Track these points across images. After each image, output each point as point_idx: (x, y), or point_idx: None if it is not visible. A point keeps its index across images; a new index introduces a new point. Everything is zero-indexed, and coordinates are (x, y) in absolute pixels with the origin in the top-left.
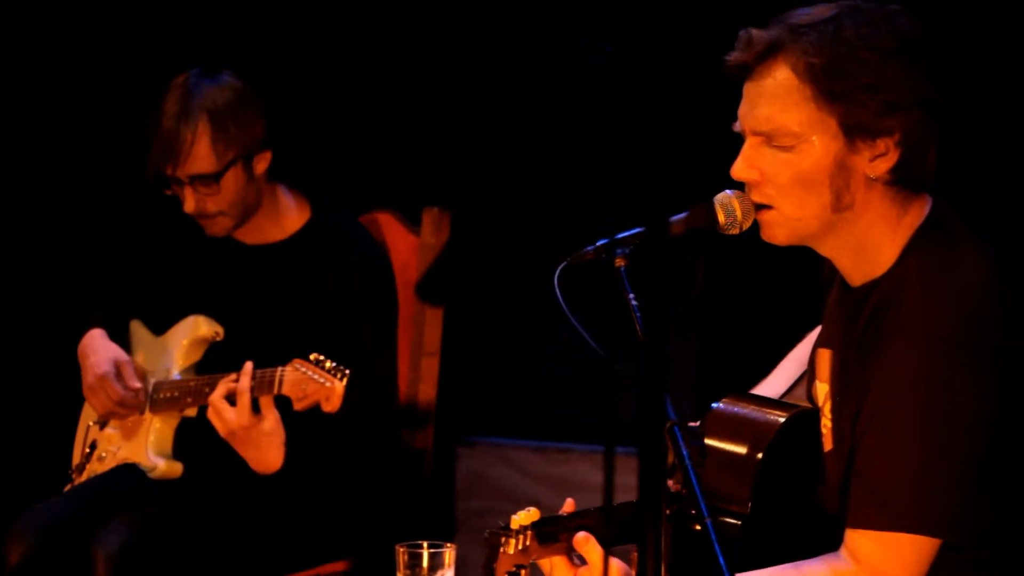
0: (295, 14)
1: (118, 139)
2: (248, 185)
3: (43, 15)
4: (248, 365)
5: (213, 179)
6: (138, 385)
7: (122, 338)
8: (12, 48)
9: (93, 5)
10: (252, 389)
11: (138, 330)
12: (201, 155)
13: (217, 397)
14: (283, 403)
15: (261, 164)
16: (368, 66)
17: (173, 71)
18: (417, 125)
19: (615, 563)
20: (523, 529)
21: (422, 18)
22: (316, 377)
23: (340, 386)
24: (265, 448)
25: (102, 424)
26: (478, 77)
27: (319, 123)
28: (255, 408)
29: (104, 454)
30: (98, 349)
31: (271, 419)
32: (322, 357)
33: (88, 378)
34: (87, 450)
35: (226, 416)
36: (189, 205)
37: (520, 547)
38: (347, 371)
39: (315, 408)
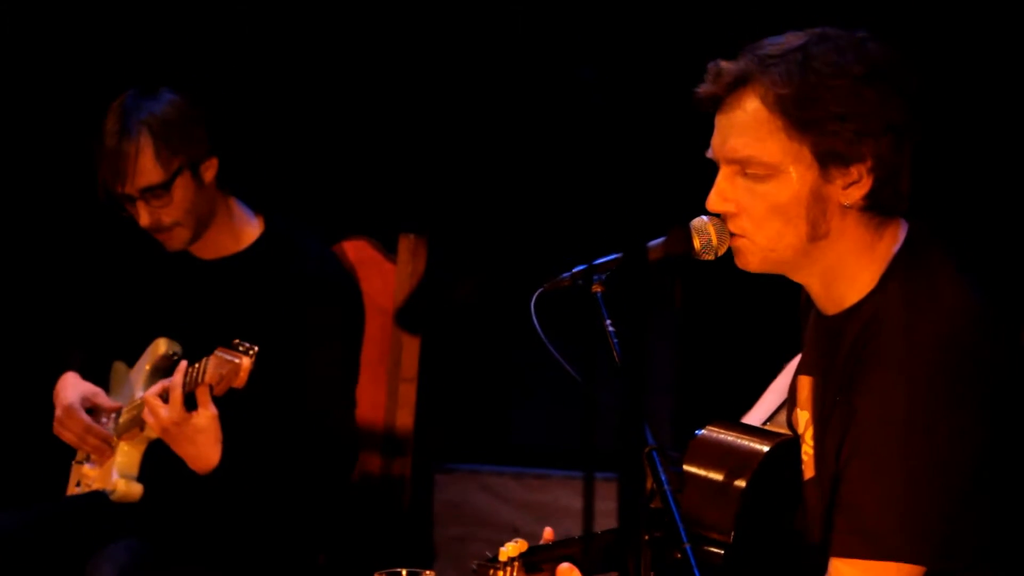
0: (269, 37)
1: (76, 168)
2: (199, 193)
3: None
4: (182, 364)
5: (163, 188)
6: (105, 419)
7: (102, 378)
8: None
9: (38, 32)
10: (184, 385)
11: (118, 368)
12: (147, 167)
13: (151, 395)
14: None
15: (209, 172)
16: (341, 92)
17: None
18: (392, 151)
19: None
20: (511, 561)
21: (397, 45)
22: (228, 357)
23: (247, 361)
24: (200, 444)
25: (83, 461)
26: (453, 103)
27: (292, 150)
28: (192, 404)
29: (84, 490)
30: (69, 386)
31: (205, 414)
32: (240, 341)
33: (56, 412)
34: (75, 490)
35: (159, 412)
36: (144, 219)
37: None
38: (255, 348)
39: (258, 406)
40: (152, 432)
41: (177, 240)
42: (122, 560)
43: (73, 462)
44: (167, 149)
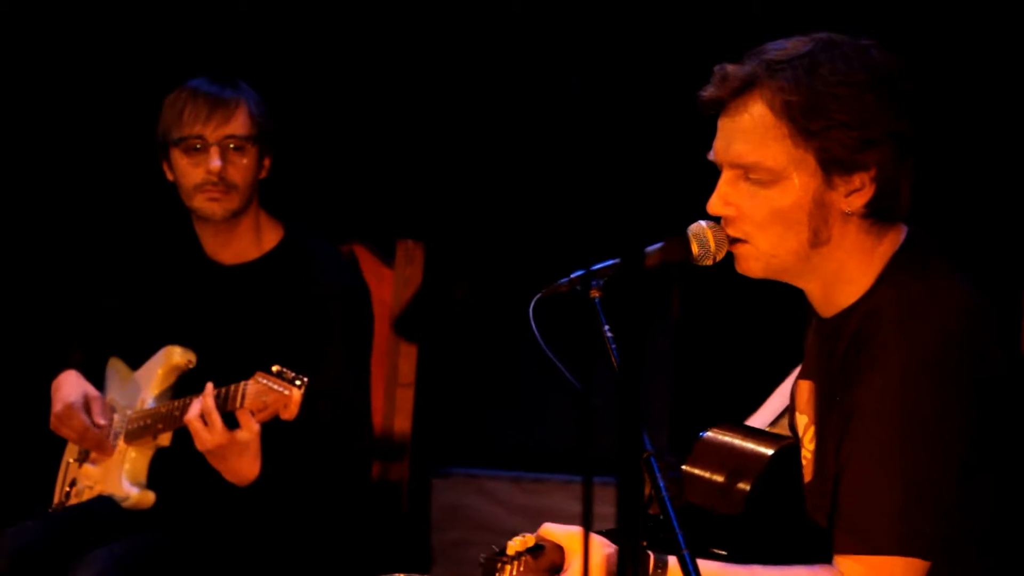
0: (263, 42)
1: (102, 165)
2: (255, 178)
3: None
4: (208, 386)
5: (248, 141)
6: (103, 422)
7: (99, 377)
8: None
9: (55, 38)
10: (218, 408)
11: (116, 366)
12: (241, 119)
13: (192, 417)
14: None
15: (264, 169)
16: (338, 99)
17: (130, 110)
18: (389, 158)
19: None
20: (519, 555)
21: (393, 51)
22: (275, 387)
23: (297, 394)
24: (243, 460)
25: (81, 461)
26: (450, 108)
27: (288, 156)
28: (233, 422)
29: (83, 490)
30: (71, 383)
31: (247, 431)
32: (283, 369)
33: (56, 407)
34: (67, 489)
35: (203, 437)
36: (214, 164)
37: (515, 574)
38: (305, 379)
39: (289, 422)
40: (163, 440)
41: (226, 203)
42: (102, 566)
43: (69, 460)
44: (257, 117)
